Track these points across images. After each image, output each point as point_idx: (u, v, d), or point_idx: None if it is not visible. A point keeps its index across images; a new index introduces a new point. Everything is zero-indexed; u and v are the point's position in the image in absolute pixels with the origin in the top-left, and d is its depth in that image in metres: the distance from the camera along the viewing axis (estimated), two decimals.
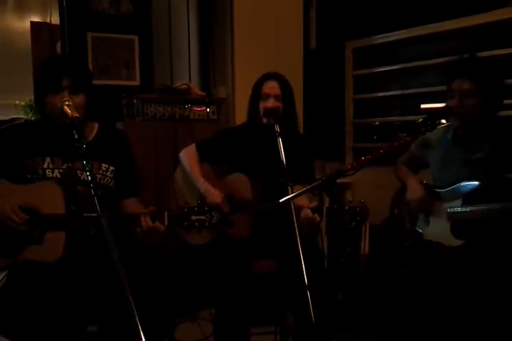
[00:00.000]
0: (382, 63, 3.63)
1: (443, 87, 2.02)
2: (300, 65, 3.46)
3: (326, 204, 1.81)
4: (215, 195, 2.08)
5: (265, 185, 2.10)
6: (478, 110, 1.92)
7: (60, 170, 1.81)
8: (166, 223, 1.71)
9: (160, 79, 3.43)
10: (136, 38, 3.31)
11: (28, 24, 4.70)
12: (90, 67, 3.10)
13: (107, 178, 1.88)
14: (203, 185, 2.16)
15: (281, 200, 1.66)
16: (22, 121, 3.65)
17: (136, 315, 1.40)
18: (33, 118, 4.05)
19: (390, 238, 2.30)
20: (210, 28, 3.54)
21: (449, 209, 2.00)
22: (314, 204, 1.87)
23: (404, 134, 1.76)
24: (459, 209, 1.97)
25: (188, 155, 2.30)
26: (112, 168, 1.89)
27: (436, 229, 2.04)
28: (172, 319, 2.33)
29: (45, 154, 1.81)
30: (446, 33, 3.20)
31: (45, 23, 4.69)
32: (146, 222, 1.69)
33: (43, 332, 1.63)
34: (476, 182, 1.94)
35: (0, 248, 1.71)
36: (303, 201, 1.93)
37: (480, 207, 1.89)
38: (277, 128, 1.97)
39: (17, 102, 4.47)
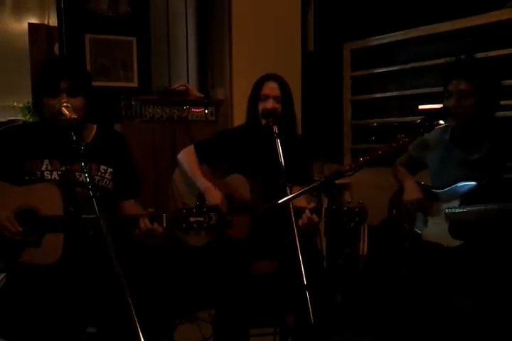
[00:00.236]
0: (380, 64, 3.64)
1: (441, 88, 2.03)
2: (298, 67, 3.47)
3: (325, 205, 1.81)
4: (215, 195, 2.08)
5: (264, 186, 2.10)
6: (475, 110, 1.93)
7: (59, 172, 1.81)
8: (165, 225, 1.71)
9: (158, 80, 3.43)
10: (134, 39, 3.31)
11: (25, 26, 4.70)
12: (88, 68, 3.11)
13: (106, 180, 1.88)
14: (204, 184, 2.15)
15: (280, 201, 1.67)
16: (20, 122, 3.64)
17: (135, 317, 1.40)
18: (30, 120, 4.04)
19: (389, 239, 2.31)
20: (208, 30, 3.54)
21: (447, 210, 2.00)
22: (313, 205, 1.87)
23: (402, 135, 1.77)
24: (457, 210, 1.97)
25: (186, 157, 2.30)
26: (110, 169, 1.89)
27: (435, 230, 2.04)
28: (171, 320, 2.33)
29: (43, 156, 1.81)
30: (443, 35, 3.21)
31: (43, 24, 4.69)
32: (145, 223, 1.69)
33: (42, 333, 1.63)
34: (474, 183, 1.95)
35: None
36: (302, 202, 1.93)
37: (478, 208, 1.90)
38: (276, 130, 1.97)
39: (15, 104, 4.46)
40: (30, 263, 1.68)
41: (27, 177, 1.78)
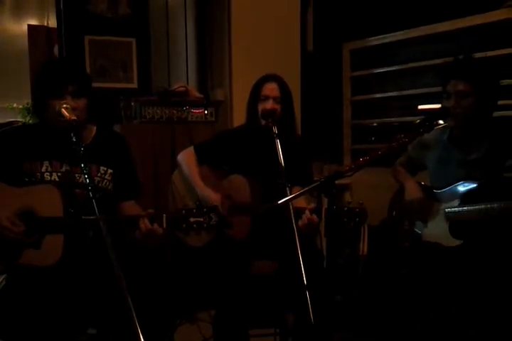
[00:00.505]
0: (379, 65, 3.64)
1: (440, 88, 2.03)
2: (298, 67, 3.47)
3: (325, 205, 1.81)
4: (213, 200, 2.08)
5: (264, 186, 2.10)
6: (474, 110, 1.93)
7: (59, 174, 1.81)
8: (165, 225, 1.71)
9: (158, 81, 3.44)
10: (133, 40, 3.31)
11: (25, 27, 4.71)
12: (88, 70, 3.11)
13: (106, 181, 1.88)
14: (202, 191, 2.15)
15: (279, 202, 1.67)
16: (20, 124, 3.64)
17: (136, 318, 1.41)
18: (30, 121, 4.04)
19: (389, 239, 2.31)
20: (208, 31, 3.55)
21: (446, 210, 2.01)
22: (313, 205, 1.87)
23: (402, 135, 1.76)
24: (457, 209, 1.98)
25: (186, 158, 2.30)
26: (110, 170, 1.89)
27: (435, 230, 2.04)
28: (171, 321, 2.33)
29: (43, 158, 1.81)
30: (442, 35, 3.21)
31: (43, 26, 4.70)
32: (145, 224, 1.70)
33: (43, 335, 1.63)
34: (474, 182, 1.95)
35: None
36: (302, 202, 1.93)
37: (477, 207, 1.90)
38: (275, 130, 1.97)
39: (14, 105, 4.47)
40: (30, 264, 1.68)
41: (27, 179, 1.78)
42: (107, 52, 3.24)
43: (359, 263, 3.00)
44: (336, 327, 2.19)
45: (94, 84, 1.92)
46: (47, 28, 4.60)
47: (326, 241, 1.59)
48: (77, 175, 1.82)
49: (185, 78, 3.55)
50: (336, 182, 1.60)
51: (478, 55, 2.15)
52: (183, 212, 1.71)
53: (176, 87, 3.25)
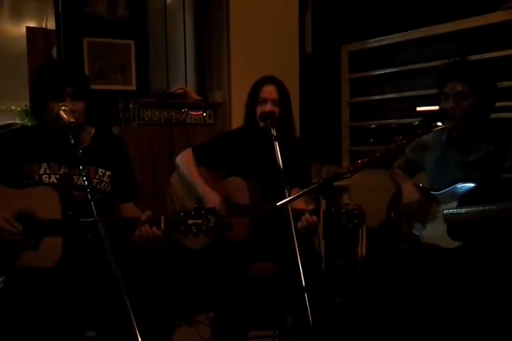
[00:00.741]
0: (377, 66, 3.64)
1: (438, 90, 2.04)
2: (296, 69, 3.47)
3: (323, 207, 1.81)
4: (213, 200, 2.08)
5: (263, 188, 2.10)
6: (473, 111, 1.94)
7: (57, 176, 1.81)
8: (163, 227, 1.71)
9: (156, 83, 3.44)
10: (132, 42, 3.32)
11: (23, 29, 4.72)
12: (86, 72, 3.11)
13: (104, 183, 1.88)
14: (202, 188, 2.14)
15: (278, 204, 1.67)
16: (18, 126, 3.64)
17: (134, 320, 1.40)
18: (29, 123, 4.04)
19: (387, 241, 2.31)
20: (206, 32, 3.55)
21: (445, 211, 2.01)
22: (311, 207, 1.88)
23: (400, 137, 1.77)
24: (455, 211, 1.98)
25: (185, 160, 2.30)
26: (108, 172, 1.89)
27: (433, 232, 2.04)
28: (170, 323, 2.33)
29: (41, 160, 1.81)
30: (440, 37, 3.22)
31: (41, 28, 4.71)
32: (145, 228, 1.69)
33: (41, 337, 1.63)
34: (472, 184, 1.95)
35: None
36: (300, 204, 1.93)
37: (476, 208, 1.90)
38: (274, 132, 1.97)
39: (13, 107, 4.47)
40: (28, 266, 1.68)
41: (25, 181, 1.78)
42: (106, 54, 3.24)
43: (357, 265, 3.00)
44: (334, 329, 2.20)
45: (93, 86, 1.92)
46: (45, 30, 4.61)
47: (324, 243, 1.59)
48: (75, 177, 1.82)
49: (183, 80, 3.55)
50: (335, 183, 1.61)
51: (474, 57, 2.16)
52: (182, 213, 1.71)
53: (174, 89, 3.25)
